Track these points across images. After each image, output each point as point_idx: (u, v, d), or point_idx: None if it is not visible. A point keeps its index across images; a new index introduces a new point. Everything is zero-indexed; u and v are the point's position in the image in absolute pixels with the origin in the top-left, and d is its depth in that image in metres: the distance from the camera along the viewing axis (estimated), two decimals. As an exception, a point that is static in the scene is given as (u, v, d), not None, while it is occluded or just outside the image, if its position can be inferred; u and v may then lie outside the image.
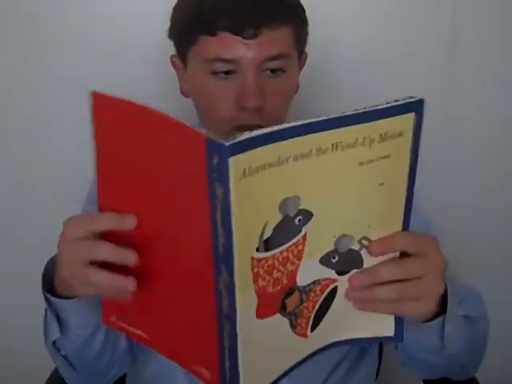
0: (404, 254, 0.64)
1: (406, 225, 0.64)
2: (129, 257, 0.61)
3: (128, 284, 0.62)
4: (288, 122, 0.54)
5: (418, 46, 1.29)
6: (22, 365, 1.36)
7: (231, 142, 0.50)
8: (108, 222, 0.62)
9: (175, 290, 0.62)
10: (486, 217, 1.39)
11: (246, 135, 0.52)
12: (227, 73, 0.86)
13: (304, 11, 0.91)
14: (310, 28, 0.92)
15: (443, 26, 1.28)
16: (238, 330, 0.57)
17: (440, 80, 1.30)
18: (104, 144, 0.62)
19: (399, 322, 0.67)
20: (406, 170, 0.61)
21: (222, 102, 0.87)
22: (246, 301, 0.56)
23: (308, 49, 0.95)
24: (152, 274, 0.63)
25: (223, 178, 0.51)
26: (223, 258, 0.54)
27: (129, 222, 0.61)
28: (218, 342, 0.58)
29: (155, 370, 0.95)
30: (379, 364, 1.10)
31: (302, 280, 0.61)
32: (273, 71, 0.86)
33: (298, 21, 0.88)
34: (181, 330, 0.64)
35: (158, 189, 0.59)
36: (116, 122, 0.61)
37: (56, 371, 0.92)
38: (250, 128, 0.84)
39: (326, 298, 0.63)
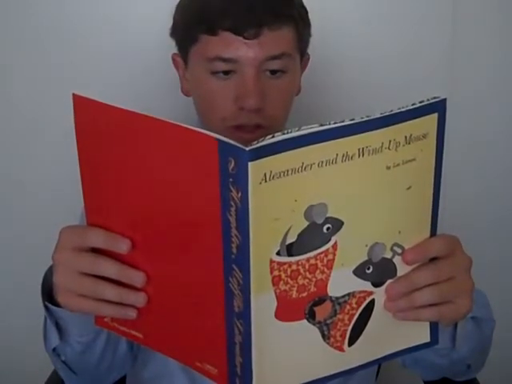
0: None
1: (433, 228, 0.63)
2: (137, 277, 0.62)
3: (138, 297, 0.63)
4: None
5: (418, 45, 1.29)
6: (22, 365, 1.36)
7: (251, 147, 0.51)
8: (101, 240, 0.63)
9: (176, 290, 0.62)
10: (485, 216, 1.40)
11: (268, 140, 0.52)
12: (227, 73, 0.86)
13: (307, 12, 0.91)
14: (312, 27, 0.92)
15: (443, 26, 1.28)
16: (253, 329, 0.57)
17: (440, 80, 1.30)
18: (87, 151, 0.62)
19: (434, 325, 0.67)
20: (432, 172, 0.61)
21: (221, 101, 0.87)
22: (262, 301, 0.57)
23: (308, 49, 0.95)
24: (149, 274, 0.63)
25: (241, 182, 0.52)
26: (236, 259, 0.55)
27: (121, 246, 0.62)
28: (226, 339, 0.59)
29: (155, 370, 0.95)
30: (379, 364, 1.10)
31: (334, 290, 0.60)
32: (273, 72, 0.86)
33: (300, 21, 0.88)
34: (182, 329, 0.64)
35: (155, 193, 0.59)
36: (100, 128, 0.60)
37: (56, 371, 0.92)
38: (249, 128, 0.86)
39: (363, 312, 0.62)
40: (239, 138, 0.53)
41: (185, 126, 0.54)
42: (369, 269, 0.61)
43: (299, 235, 0.56)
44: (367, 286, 0.62)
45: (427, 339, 0.67)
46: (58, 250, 0.65)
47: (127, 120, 0.57)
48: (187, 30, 0.88)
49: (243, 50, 0.84)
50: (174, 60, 0.96)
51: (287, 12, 0.86)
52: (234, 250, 0.55)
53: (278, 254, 0.56)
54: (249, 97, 0.84)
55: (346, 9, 1.26)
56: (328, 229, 0.57)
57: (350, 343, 0.63)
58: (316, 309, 0.60)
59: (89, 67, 1.24)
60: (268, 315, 0.58)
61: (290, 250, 0.56)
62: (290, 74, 0.88)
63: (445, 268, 0.63)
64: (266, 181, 0.52)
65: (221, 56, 0.84)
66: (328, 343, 0.62)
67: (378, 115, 0.55)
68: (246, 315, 0.57)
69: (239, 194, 0.53)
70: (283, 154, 0.52)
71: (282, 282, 0.57)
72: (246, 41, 0.83)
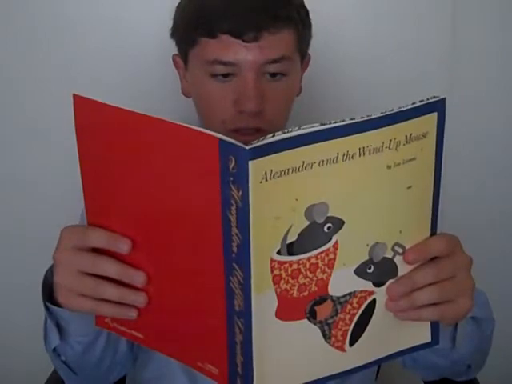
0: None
1: (434, 227, 0.64)
2: (138, 277, 0.62)
3: (138, 297, 0.63)
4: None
5: (418, 45, 1.29)
6: (22, 365, 1.36)
7: (252, 146, 0.51)
8: (102, 240, 0.63)
9: (176, 289, 0.62)
10: (485, 216, 1.39)
11: (269, 139, 0.52)
12: (226, 75, 0.85)
13: (307, 14, 0.90)
14: (312, 27, 0.92)
15: (443, 26, 1.28)
16: (254, 328, 0.57)
17: (440, 80, 1.30)
18: (88, 151, 0.62)
19: (435, 325, 0.67)
20: (432, 171, 0.61)
21: (220, 104, 0.87)
22: (263, 300, 0.57)
23: (309, 49, 0.95)
24: (149, 274, 0.63)
25: (242, 181, 0.52)
26: (237, 258, 0.55)
27: (122, 246, 0.62)
28: (226, 338, 0.59)
29: (156, 370, 0.95)
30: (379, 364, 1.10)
31: (335, 290, 0.60)
32: (273, 75, 0.86)
33: (300, 24, 0.88)
34: (183, 328, 0.64)
35: (156, 192, 0.59)
36: (101, 128, 0.60)
37: (56, 371, 0.92)
38: (248, 131, 0.86)
39: (364, 312, 0.63)
40: (238, 141, 0.53)
41: (185, 125, 0.54)
42: (370, 268, 0.61)
43: (300, 234, 0.56)
44: (368, 285, 0.62)
45: (428, 339, 0.67)
46: (59, 249, 0.65)
47: (127, 120, 0.58)
48: (187, 32, 0.88)
49: (242, 53, 0.83)
50: (174, 61, 0.96)
51: (287, 15, 0.85)
52: (235, 249, 0.55)
53: (279, 253, 0.56)
54: (248, 100, 0.84)
55: (346, 9, 1.26)
56: (329, 228, 0.57)
57: (351, 343, 0.63)
58: (317, 308, 0.60)
59: (89, 67, 1.24)
60: (269, 314, 0.58)
61: (291, 249, 0.56)
62: (290, 76, 0.88)
63: (445, 267, 0.63)
64: (266, 179, 0.52)
65: (220, 59, 0.84)
66: (329, 343, 0.62)
67: (379, 114, 0.55)
68: (246, 314, 0.57)
69: (240, 193, 0.53)
70: (284, 152, 0.52)
71: (282, 281, 0.57)
72: (246, 44, 0.83)
